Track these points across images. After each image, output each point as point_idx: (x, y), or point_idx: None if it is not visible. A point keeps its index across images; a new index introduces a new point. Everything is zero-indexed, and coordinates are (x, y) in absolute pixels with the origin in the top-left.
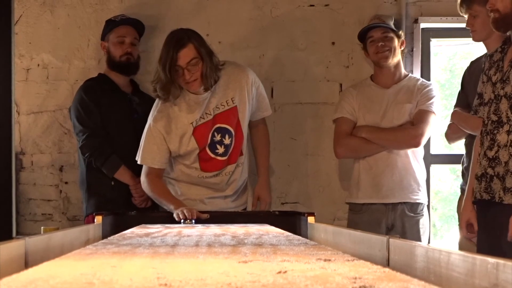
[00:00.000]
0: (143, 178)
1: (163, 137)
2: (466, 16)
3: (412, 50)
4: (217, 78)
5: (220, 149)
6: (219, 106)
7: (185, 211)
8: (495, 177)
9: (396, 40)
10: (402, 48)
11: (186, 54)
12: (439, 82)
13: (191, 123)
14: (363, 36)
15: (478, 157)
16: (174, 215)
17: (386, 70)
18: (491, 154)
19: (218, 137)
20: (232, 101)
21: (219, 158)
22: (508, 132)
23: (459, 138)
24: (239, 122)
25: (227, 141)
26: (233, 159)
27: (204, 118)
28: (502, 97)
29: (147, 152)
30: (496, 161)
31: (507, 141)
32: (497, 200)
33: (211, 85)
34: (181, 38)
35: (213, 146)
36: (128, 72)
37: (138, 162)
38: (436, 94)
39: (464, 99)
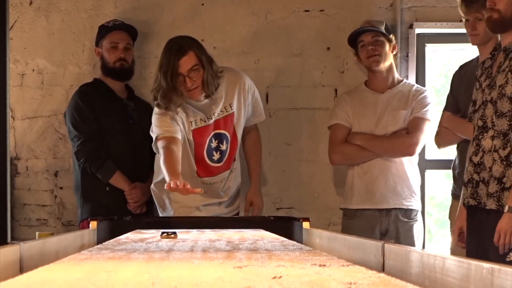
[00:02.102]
0: (160, 151)
1: (172, 114)
2: (465, 18)
3: (407, 56)
4: (217, 85)
5: (216, 155)
6: (218, 112)
7: (178, 183)
8: (480, 183)
9: (387, 45)
10: (394, 53)
11: (187, 62)
12: (434, 87)
13: (191, 122)
14: (354, 42)
15: None
16: (165, 186)
17: (379, 75)
18: (476, 159)
19: (215, 144)
20: (231, 107)
21: (214, 164)
22: (493, 137)
23: (451, 143)
24: (235, 128)
25: (223, 147)
26: (227, 165)
27: (205, 122)
28: (488, 102)
29: (159, 126)
30: (481, 166)
31: (491, 146)
32: (482, 206)
33: (212, 92)
34: (181, 45)
35: (210, 153)
36: (123, 77)
37: (153, 143)
38: (431, 101)
39: (454, 103)
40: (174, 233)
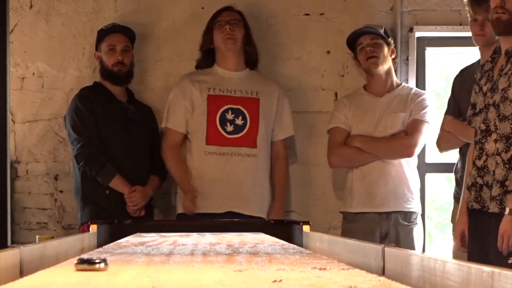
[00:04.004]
0: (169, 155)
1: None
2: (472, 18)
3: (408, 59)
4: (255, 61)
5: (229, 127)
6: (242, 91)
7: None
8: (484, 186)
9: (385, 47)
10: (393, 57)
11: (230, 14)
12: (434, 91)
13: (209, 88)
14: (353, 45)
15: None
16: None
17: (378, 78)
18: (480, 163)
19: (230, 116)
20: (256, 94)
21: (226, 135)
22: (496, 141)
23: (453, 147)
24: (258, 115)
25: (239, 121)
26: (242, 142)
27: (223, 92)
28: (491, 106)
29: (173, 114)
30: (485, 170)
31: (495, 150)
32: (486, 210)
33: (247, 60)
34: (229, 5)
35: (223, 122)
36: (121, 82)
37: (163, 125)
38: (429, 103)
39: (456, 107)
40: (104, 261)
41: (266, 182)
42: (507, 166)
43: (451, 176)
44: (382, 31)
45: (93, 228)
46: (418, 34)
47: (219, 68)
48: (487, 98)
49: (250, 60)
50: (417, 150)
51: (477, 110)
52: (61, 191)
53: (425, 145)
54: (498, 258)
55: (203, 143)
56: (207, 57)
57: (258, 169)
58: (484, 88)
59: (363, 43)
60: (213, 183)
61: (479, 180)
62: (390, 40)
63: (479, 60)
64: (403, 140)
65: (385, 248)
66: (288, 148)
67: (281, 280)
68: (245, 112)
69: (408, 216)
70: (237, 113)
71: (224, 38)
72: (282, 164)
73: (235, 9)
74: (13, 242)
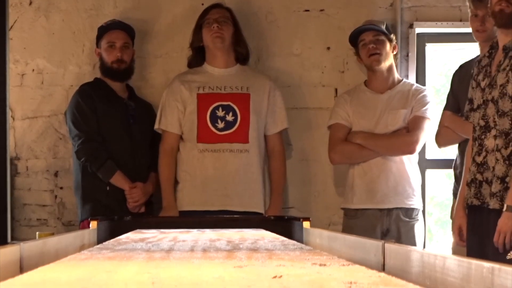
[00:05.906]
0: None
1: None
2: (473, 13)
3: (408, 55)
4: (245, 58)
5: (220, 124)
6: (232, 87)
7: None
8: (484, 183)
9: (388, 44)
10: (395, 53)
11: (219, 12)
12: (434, 87)
13: (198, 87)
14: (355, 41)
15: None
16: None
17: (379, 75)
18: (479, 159)
19: (221, 113)
20: (247, 89)
21: (217, 132)
22: (495, 137)
23: (451, 143)
24: (249, 110)
25: (229, 117)
26: (234, 138)
27: (213, 90)
28: (490, 101)
29: (168, 116)
30: (485, 166)
31: (494, 146)
32: (486, 206)
33: (236, 57)
34: (218, 3)
35: (214, 119)
36: (120, 78)
37: (156, 126)
38: (430, 100)
39: (455, 102)
40: None
41: (260, 177)
42: (507, 162)
43: (452, 172)
44: (384, 27)
45: (93, 224)
46: (418, 30)
47: (208, 66)
48: (485, 94)
49: (240, 57)
50: (419, 147)
51: (475, 105)
52: (61, 188)
53: (425, 141)
54: (496, 255)
55: (195, 142)
56: (198, 55)
57: (251, 164)
58: (482, 84)
59: (365, 39)
60: (206, 180)
61: (479, 177)
62: (392, 36)
63: (478, 56)
64: (404, 137)
65: (385, 244)
66: (289, 145)
67: (281, 276)
68: (235, 108)
69: (409, 212)
70: (227, 109)
71: (212, 36)
72: (278, 158)
73: (224, 6)
74: (13, 238)
